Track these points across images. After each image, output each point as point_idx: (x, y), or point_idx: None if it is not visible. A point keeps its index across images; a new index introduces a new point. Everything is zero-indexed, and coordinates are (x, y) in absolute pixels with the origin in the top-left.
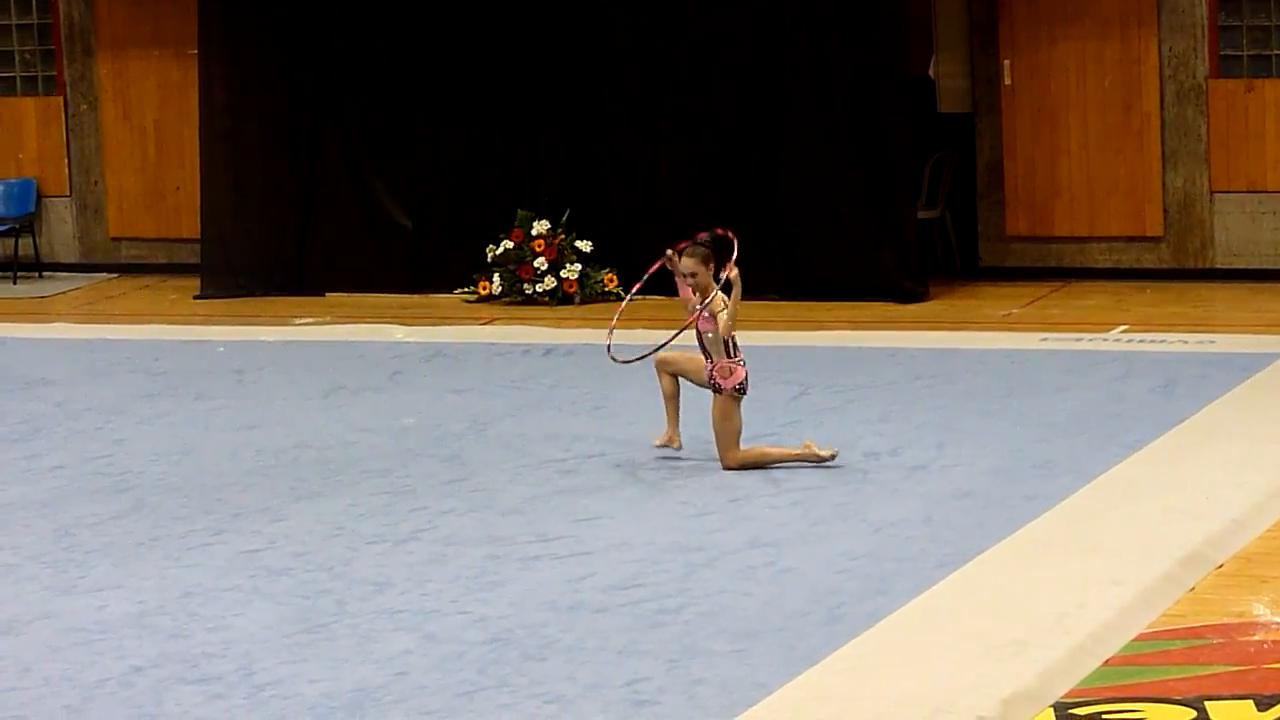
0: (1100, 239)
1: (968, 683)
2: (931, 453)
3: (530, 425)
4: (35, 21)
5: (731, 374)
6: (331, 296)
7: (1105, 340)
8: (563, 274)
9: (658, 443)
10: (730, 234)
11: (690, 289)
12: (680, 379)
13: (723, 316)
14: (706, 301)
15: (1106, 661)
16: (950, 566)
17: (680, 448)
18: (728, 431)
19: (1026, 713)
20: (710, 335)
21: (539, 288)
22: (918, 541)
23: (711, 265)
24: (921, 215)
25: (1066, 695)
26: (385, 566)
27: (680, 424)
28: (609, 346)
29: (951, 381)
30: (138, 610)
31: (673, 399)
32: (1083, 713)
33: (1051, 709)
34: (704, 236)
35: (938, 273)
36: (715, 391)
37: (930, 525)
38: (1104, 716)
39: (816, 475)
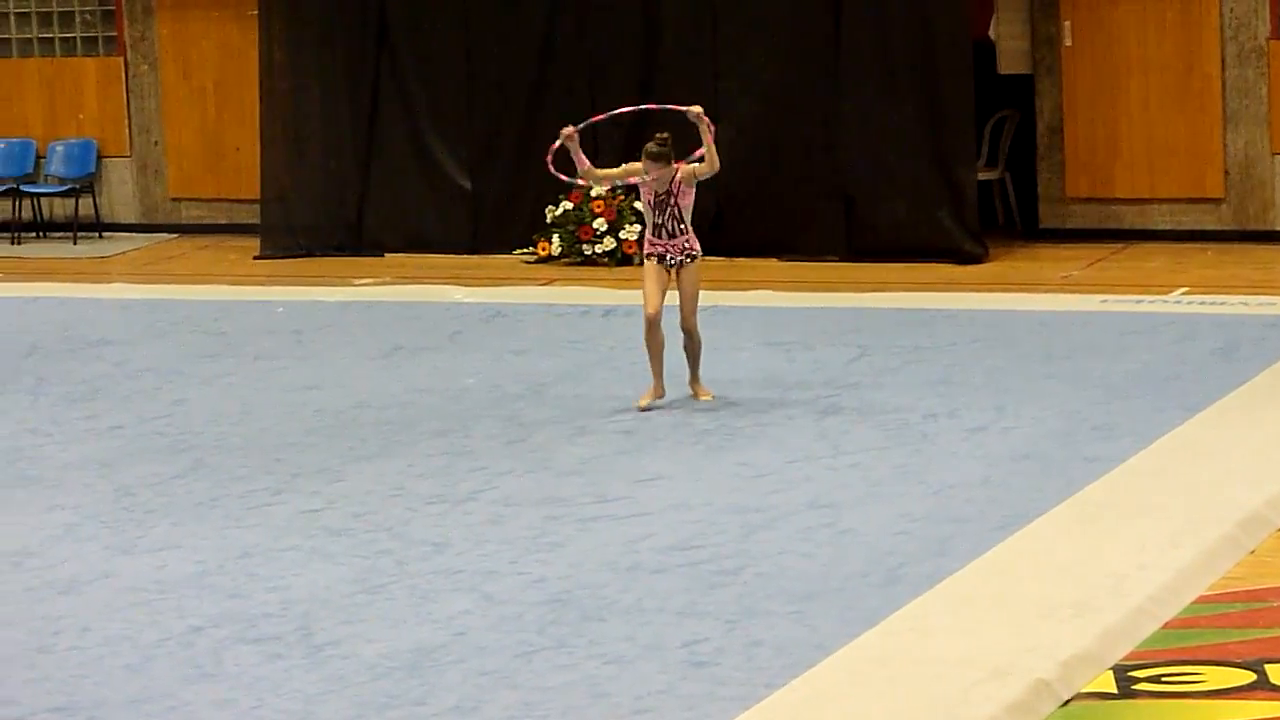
0: (1161, 200)
1: (1026, 645)
2: (991, 415)
3: (589, 386)
4: None
5: (696, 240)
6: (391, 257)
7: (1165, 302)
8: (622, 235)
9: (643, 404)
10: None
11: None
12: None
13: (702, 166)
14: (674, 176)
15: (1166, 624)
16: (1009, 528)
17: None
18: (697, 296)
19: (1085, 675)
20: (686, 205)
21: (598, 249)
22: (977, 503)
23: (674, 161)
24: (981, 177)
25: (1126, 658)
26: (444, 527)
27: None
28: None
29: (1011, 343)
30: (197, 570)
31: (660, 355)
32: (1142, 675)
33: (1111, 671)
34: (663, 136)
35: (998, 234)
36: (690, 260)
37: (989, 487)
38: (1163, 679)
39: (876, 437)
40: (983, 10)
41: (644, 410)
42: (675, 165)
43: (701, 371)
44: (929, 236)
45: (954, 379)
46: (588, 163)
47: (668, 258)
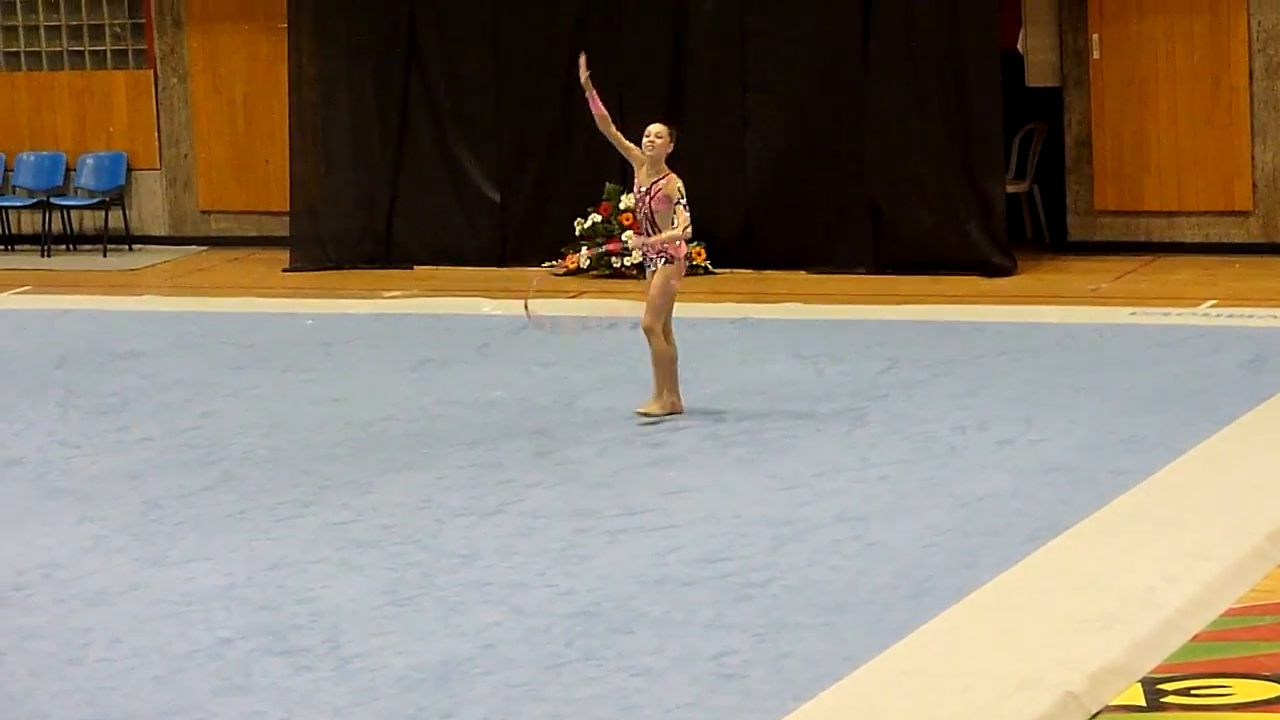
0: (1189, 213)
1: (1055, 657)
2: (1019, 427)
3: (617, 399)
4: None
5: (679, 246)
6: (420, 269)
7: (1194, 315)
8: None
9: (645, 410)
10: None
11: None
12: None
13: (680, 222)
14: (658, 180)
15: (1195, 637)
16: (1038, 541)
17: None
18: (668, 299)
19: (1114, 687)
20: (661, 212)
21: (626, 261)
22: (1005, 516)
23: (671, 144)
24: (1010, 189)
25: (1155, 670)
26: (472, 539)
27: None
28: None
29: (1039, 356)
30: (226, 582)
31: (669, 362)
32: (1171, 688)
33: (1139, 684)
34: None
35: (1026, 247)
36: (666, 262)
37: (1018, 499)
38: (1192, 691)
39: (905, 449)
40: (1011, 23)
41: (644, 417)
42: (665, 172)
43: (731, 385)
44: (957, 249)
45: (982, 391)
46: (604, 109)
47: (645, 262)
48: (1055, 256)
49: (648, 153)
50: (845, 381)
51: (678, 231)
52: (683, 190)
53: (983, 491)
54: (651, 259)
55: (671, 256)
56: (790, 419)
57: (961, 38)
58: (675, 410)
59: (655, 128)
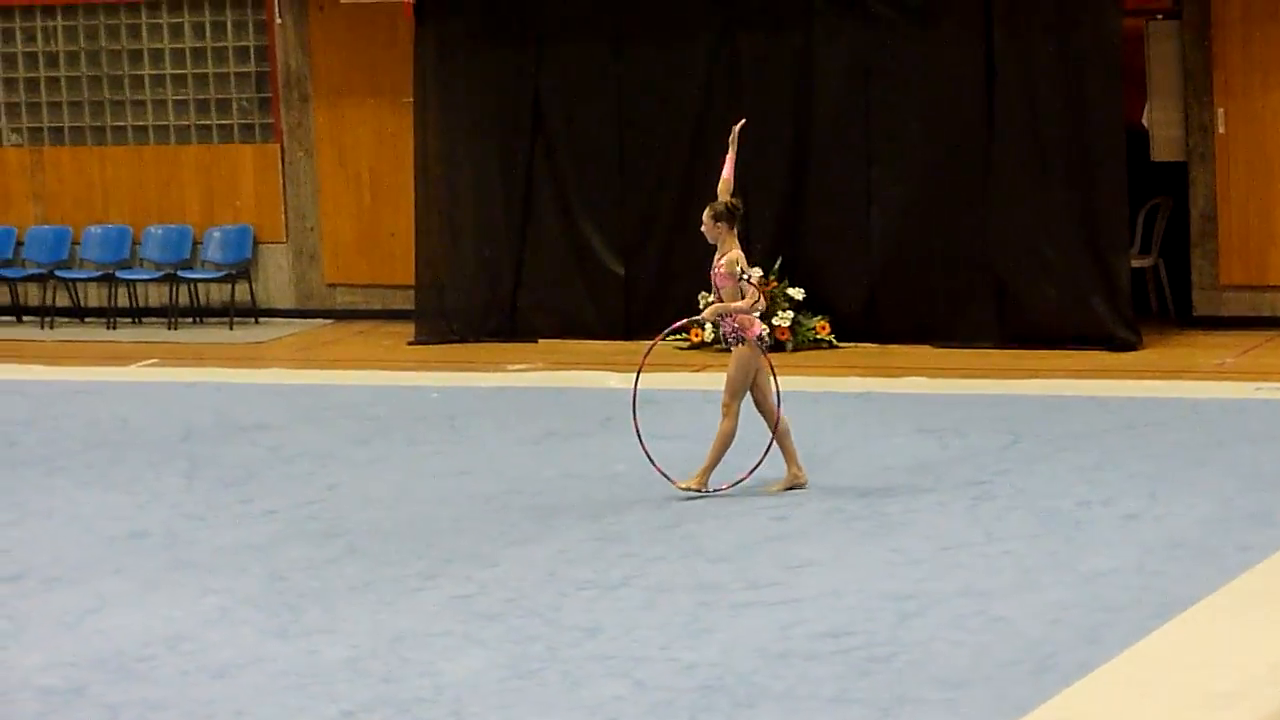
0: None
1: None
2: (1144, 502)
3: (740, 472)
4: (254, 70)
5: (751, 325)
6: (544, 343)
7: None
8: (775, 321)
9: (687, 484)
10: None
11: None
12: (763, 399)
13: (747, 296)
14: (720, 256)
15: None
16: (1163, 617)
17: (806, 483)
18: (738, 380)
19: None
20: (727, 289)
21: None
22: (1130, 591)
23: (720, 226)
24: (1135, 263)
25: None
26: (595, 612)
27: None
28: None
29: (1164, 431)
30: (350, 655)
31: (783, 435)
32: None
33: None
34: (734, 203)
35: (1151, 321)
36: (739, 343)
37: (1142, 575)
38: None
39: (1029, 523)
40: (1136, 97)
41: (686, 491)
42: (726, 248)
43: (855, 460)
44: (1082, 323)
45: (1107, 466)
46: (730, 176)
47: (724, 340)
48: (1180, 331)
49: (705, 225)
50: (969, 456)
51: (741, 304)
52: (744, 263)
53: (1107, 566)
54: (728, 339)
55: (742, 337)
56: (914, 493)
57: (1086, 112)
58: (703, 487)
59: (706, 217)
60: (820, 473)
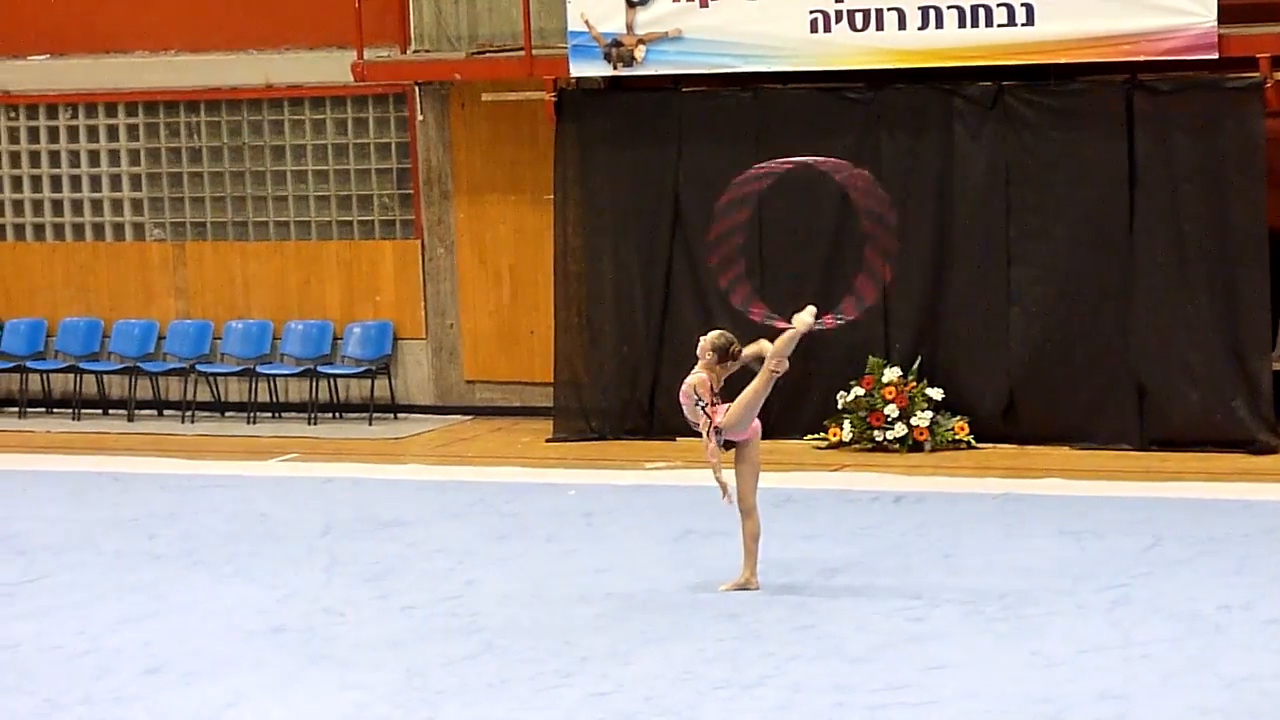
0: None
1: None
2: None
3: (879, 573)
4: (395, 167)
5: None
6: (682, 441)
7: None
8: (913, 421)
9: (725, 587)
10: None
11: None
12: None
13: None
14: (714, 389)
15: None
16: None
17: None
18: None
19: None
20: (711, 415)
21: (889, 435)
22: (1272, 697)
23: (711, 356)
24: (1277, 367)
25: None
26: (732, 712)
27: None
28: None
29: None
30: None
31: (751, 539)
32: None
33: None
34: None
35: None
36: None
37: None
38: None
39: (1168, 627)
40: (1278, 199)
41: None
42: (702, 369)
43: (995, 560)
44: (1223, 426)
45: (1248, 570)
46: (782, 350)
47: None
48: None
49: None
50: (1108, 558)
51: (704, 423)
52: (698, 389)
53: (1249, 671)
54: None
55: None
56: (1052, 595)
57: (1229, 214)
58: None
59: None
60: (959, 574)
